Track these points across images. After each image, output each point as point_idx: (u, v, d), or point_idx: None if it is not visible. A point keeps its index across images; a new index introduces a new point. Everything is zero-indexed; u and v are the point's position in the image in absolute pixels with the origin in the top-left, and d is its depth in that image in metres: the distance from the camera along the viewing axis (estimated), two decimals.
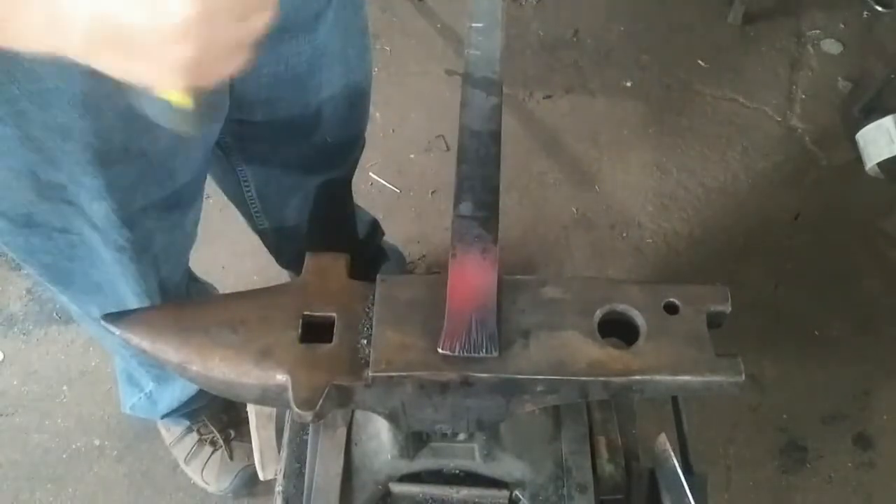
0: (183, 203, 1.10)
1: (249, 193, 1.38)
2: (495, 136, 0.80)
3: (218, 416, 1.74)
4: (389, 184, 2.15)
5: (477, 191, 0.80)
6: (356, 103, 1.24)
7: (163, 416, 1.64)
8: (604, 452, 0.99)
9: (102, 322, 0.80)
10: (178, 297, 1.29)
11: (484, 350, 0.76)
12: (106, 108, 0.84)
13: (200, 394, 1.56)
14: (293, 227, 1.46)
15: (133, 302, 1.15)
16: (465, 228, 0.79)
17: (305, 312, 0.81)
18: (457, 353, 0.76)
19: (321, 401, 0.75)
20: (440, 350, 0.76)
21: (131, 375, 1.55)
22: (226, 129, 1.16)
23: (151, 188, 1.00)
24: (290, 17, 0.96)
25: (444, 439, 0.95)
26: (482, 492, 0.96)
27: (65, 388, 1.87)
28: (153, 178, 0.99)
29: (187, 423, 1.73)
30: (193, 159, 1.05)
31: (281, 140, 1.20)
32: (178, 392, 1.55)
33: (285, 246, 1.57)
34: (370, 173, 2.14)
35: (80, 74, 0.80)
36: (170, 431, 1.76)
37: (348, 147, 1.36)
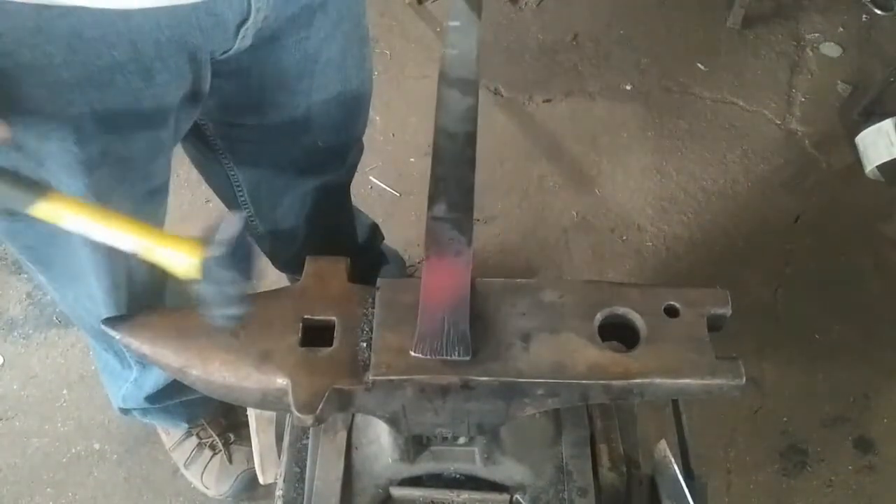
0: (157, 198, 1.12)
1: (242, 196, 1.39)
2: (470, 138, 0.77)
3: (217, 419, 1.74)
4: (389, 187, 2.15)
5: (451, 192, 0.79)
6: (351, 109, 1.25)
7: (153, 402, 1.61)
8: (605, 461, 0.99)
9: (103, 326, 0.80)
10: (152, 290, 1.29)
11: (456, 353, 0.76)
12: (86, 117, 0.87)
13: None
14: (288, 231, 1.46)
15: (99, 293, 1.15)
16: (440, 230, 0.79)
17: (306, 316, 0.81)
18: (428, 356, 0.76)
19: (321, 405, 0.75)
20: (412, 353, 0.76)
21: (113, 370, 1.52)
22: (216, 130, 1.21)
23: (128, 189, 1.03)
24: (277, 25, 0.99)
25: (445, 443, 0.95)
26: (483, 495, 0.96)
27: (65, 391, 1.87)
28: (131, 180, 1.02)
29: (186, 426, 1.72)
30: (169, 159, 1.08)
31: (270, 142, 1.22)
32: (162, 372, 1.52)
33: (281, 250, 1.57)
34: (370, 177, 2.14)
35: (66, 86, 0.82)
36: (169, 435, 1.76)
37: (342, 151, 1.36)
